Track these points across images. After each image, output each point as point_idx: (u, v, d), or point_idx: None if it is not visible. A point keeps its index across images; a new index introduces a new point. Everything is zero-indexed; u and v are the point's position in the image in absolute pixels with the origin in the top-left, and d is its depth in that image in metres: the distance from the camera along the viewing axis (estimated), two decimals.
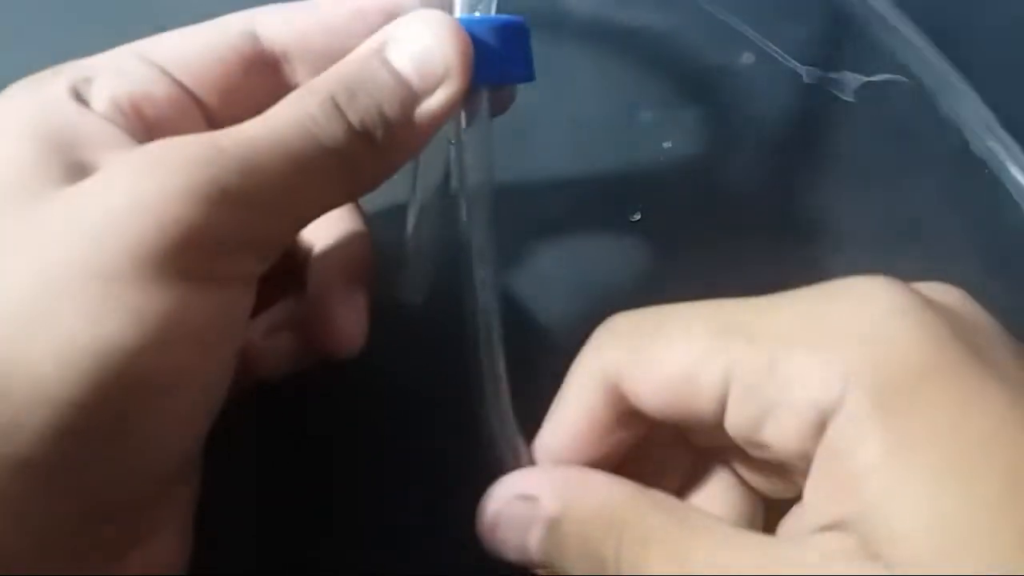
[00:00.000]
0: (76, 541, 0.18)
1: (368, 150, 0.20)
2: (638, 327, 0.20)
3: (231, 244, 0.18)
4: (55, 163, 0.18)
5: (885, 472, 0.16)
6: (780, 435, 0.18)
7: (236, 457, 0.23)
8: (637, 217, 0.30)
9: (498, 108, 0.23)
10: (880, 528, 0.16)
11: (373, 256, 0.25)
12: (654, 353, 0.19)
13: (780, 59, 0.33)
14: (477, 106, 0.22)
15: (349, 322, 0.23)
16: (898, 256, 0.29)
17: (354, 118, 0.19)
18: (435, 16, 0.20)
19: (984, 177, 0.31)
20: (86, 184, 0.18)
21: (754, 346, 0.18)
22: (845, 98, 0.32)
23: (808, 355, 0.18)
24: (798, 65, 0.33)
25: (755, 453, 0.20)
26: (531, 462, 0.21)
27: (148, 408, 0.18)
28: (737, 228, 0.30)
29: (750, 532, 0.19)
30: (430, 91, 0.20)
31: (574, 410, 0.21)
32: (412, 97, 0.20)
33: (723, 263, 0.29)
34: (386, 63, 0.20)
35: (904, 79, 0.32)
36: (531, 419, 0.21)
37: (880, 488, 0.16)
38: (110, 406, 0.17)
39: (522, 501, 0.19)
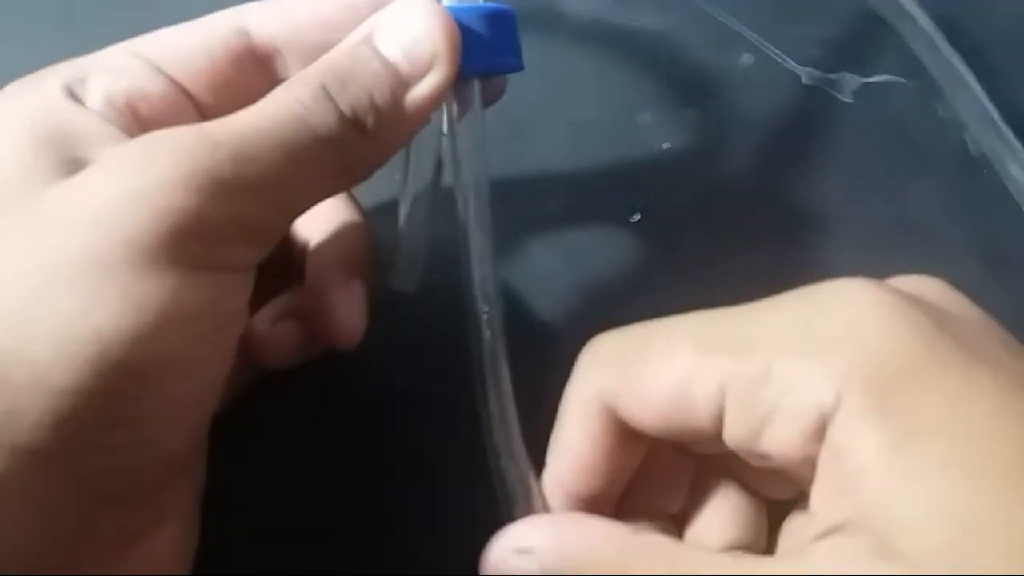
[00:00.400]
0: (79, 531, 0.18)
1: (360, 138, 0.20)
2: (625, 349, 0.20)
3: (226, 233, 0.18)
4: (50, 159, 0.18)
5: (886, 467, 0.16)
6: (781, 442, 0.18)
7: (238, 452, 0.23)
8: (637, 217, 0.30)
9: (489, 98, 0.23)
10: (888, 523, 0.16)
11: (370, 247, 0.25)
12: (644, 374, 0.19)
13: (779, 60, 0.33)
14: (468, 96, 0.22)
15: (347, 314, 0.23)
16: (897, 256, 0.29)
17: (345, 106, 0.19)
18: (422, 3, 0.20)
19: (983, 177, 0.31)
20: (81, 176, 0.18)
21: (745, 356, 0.18)
22: (844, 99, 0.32)
23: (801, 360, 0.18)
24: (797, 66, 0.33)
25: (757, 463, 0.19)
26: (544, 500, 0.21)
27: (147, 395, 0.18)
28: (736, 229, 0.30)
29: (749, 557, 0.19)
30: (419, 78, 0.20)
31: (575, 440, 0.21)
32: (402, 84, 0.20)
33: (723, 263, 0.29)
34: (375, 51, 0.20)
35: (903, 80, 0.32)
36: (532, 420, 0.21)
37: (882, 483, 0.16)
38: (109, 393, 0.17)
39: (518, 555, 0.19)
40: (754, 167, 0.31)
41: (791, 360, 0.18)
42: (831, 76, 0.32)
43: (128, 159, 0.18)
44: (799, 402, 0.18)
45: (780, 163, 0.31)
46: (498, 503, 0.21)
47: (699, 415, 0.19)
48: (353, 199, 0.26)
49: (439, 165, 0.24)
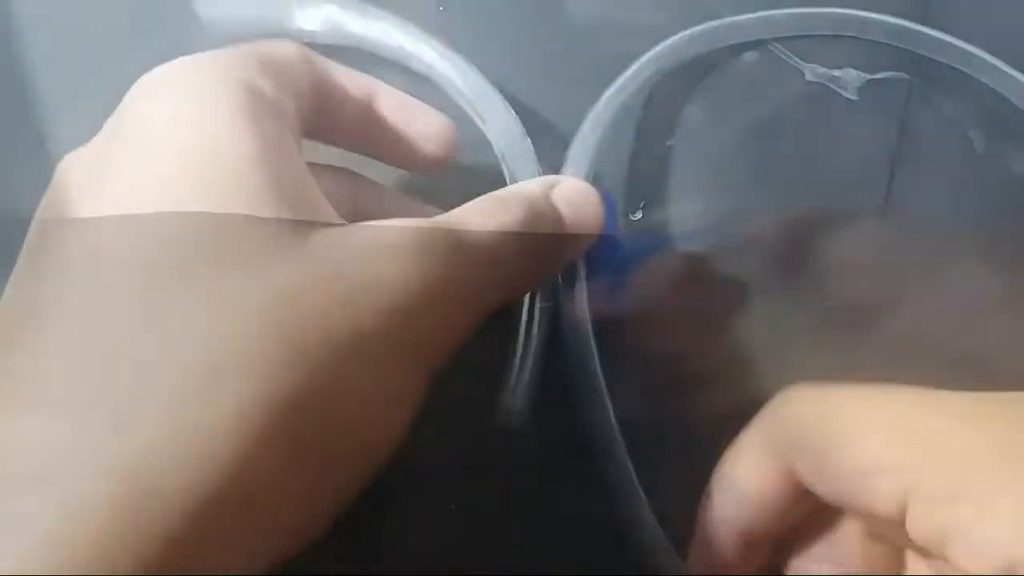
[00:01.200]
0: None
1: (535, 267, 0.24)
2: (815, 414, 0.20)
3: (448, 346, 0.21)
4: (259, 133, 0.19)
5: None
6: (962, 564, 0.17)
7: None
8: (638, 216, 0.30)
9: None
10: None
11: None
12: (828, 450, 0.19)
13: (782, 56, 0.32)
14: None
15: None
16: (901, 255, 0.29)
17: (534, 238, 0.23)
18: (585, 183, 0.26)
19: (989, 175, 0.31)
20: (349, 239, 0.19)
21: (936, 464, 0.18)
22: (848, 96, 0.32)
23: (998, 489, 0.17)
24: (800, 62, 0.32)
25: (937, 564, 0.19)
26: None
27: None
28: (739, 226, 0.30)
29: None
30: (575, 229, 0.24)
31: (749, 484, 0.21)
32: (566, 232, 0.24)
33: (725, 261, 0.29)
34: (550, 203, 0.24)
35: (907, 76, 0.32)
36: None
37: None
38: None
39: None
40: (757, 164, 0.31)
41: (986, 485, 0.17)
42: (835, 72, 0.32)
43: (397, 249, 0.19)
44: (987, 539, 0.16)
45: (783, 160, 0.31)
46: None
47: (880, 503, 0.18)
48: None
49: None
